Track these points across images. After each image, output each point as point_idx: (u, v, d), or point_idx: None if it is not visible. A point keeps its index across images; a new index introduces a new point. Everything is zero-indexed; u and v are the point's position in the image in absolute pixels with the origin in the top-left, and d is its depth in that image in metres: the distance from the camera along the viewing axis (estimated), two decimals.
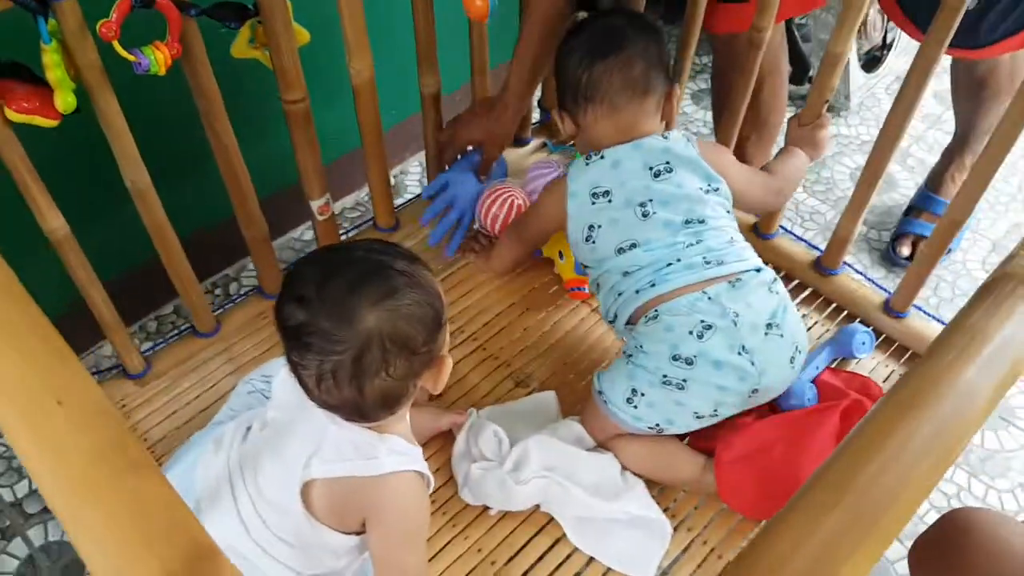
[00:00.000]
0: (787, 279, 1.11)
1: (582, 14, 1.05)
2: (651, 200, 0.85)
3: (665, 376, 0.82)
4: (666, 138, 0.88)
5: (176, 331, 1.04)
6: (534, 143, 1.32)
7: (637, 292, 0.85)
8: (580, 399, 0.96)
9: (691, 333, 0.81)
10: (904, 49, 1.76)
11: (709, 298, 0.82)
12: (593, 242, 0.88)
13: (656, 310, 0.83)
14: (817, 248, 1.12)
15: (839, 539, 0.33)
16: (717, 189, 0.88)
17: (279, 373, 0.72)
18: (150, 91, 0.86)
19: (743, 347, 0.81)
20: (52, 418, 0.35)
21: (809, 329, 1.06)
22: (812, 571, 0.31)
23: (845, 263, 1.09)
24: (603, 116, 0.88)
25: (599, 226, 0.87)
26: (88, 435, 0.35)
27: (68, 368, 0.38)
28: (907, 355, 1.04)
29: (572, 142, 1.32)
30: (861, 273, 1.12)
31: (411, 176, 1.58)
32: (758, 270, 0.86)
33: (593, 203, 0.87)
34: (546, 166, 1.14)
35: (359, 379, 0.63)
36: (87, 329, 0.96)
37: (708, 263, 0.84)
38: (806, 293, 1.10)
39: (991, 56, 0.95)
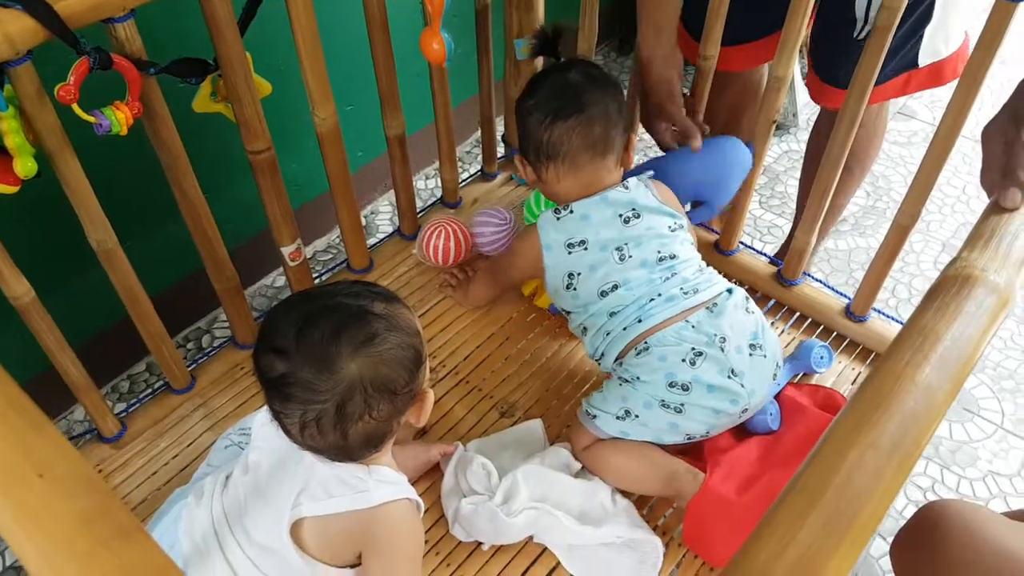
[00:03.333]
0: (751, 291, 1.14)
1: (540, 60, 1.08)
2: (626, 244, 0.89)
3: (663, 400, 0.84)
4: (627, 188, 0.91)
5: (149, 390, 1.03)
6: (500, 177, 1.34)
7: (625, 329, 0.88)
8: (566, 424, 0.97)
9: (684, 360, 0.84)
10: None
11: (693, 326, 0.85)
12: (574, 288, 0.90)
13: (646, 342, 0.86)
14: (777, 261, 1.15)
15: (822, 539, 0.34)
16: (681, 225, 0.93)
17: (258, 415, 0.72)
18: (112, 149, 0.86)
19: (732, 370, 0.84)
20: (33, 490, 0.35)
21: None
22: (800, 570, 0.33)
23: (805, 273, 1.13)
24: (565, 174, 0.91)
25: (579, 273, 0.90)
26: (72, 504, 0.35)
27: (47, 439, 0.38)
28: (871, 357, 1.07)
29: None
30: (821, 281, 1.16)
31: (382, 216, 1.59)
32: (730, 291, 0.90)
33: (570, 253, 0.90)
34: (494, 215, 1.14)
35: (343, 425, 0.64)
36: (58, 394, 0.94)
37: (686, 293, 0.87)
38: (770, 304, 1.14)
39: (871, 101, 0.97)
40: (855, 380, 1.05)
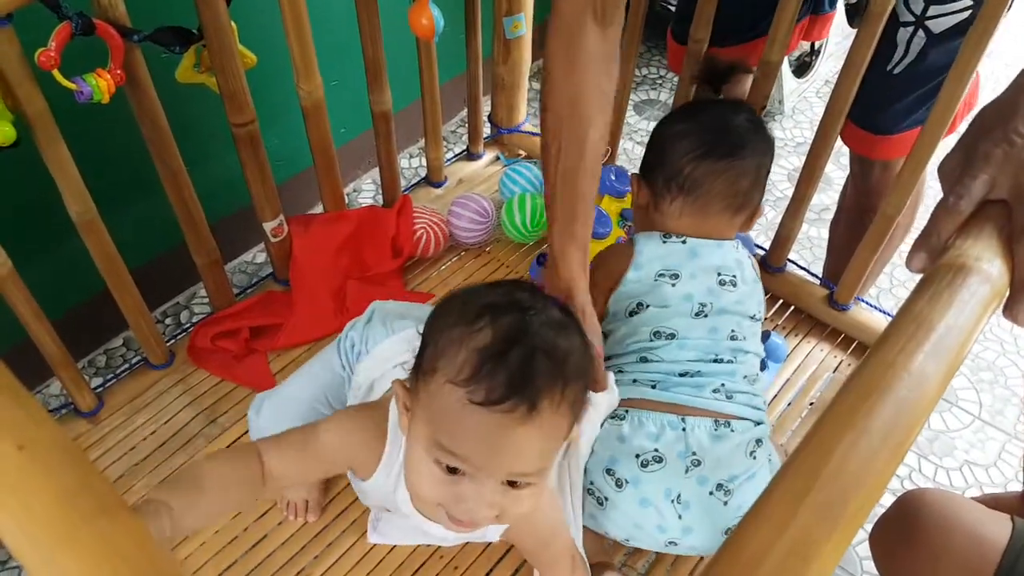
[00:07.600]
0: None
1: (528, 43, 1.04)
2: (711, 304, 0.81)
3: (592, 484, 0.76)
4: (736, 249, 0.84)
5: (127, 365, 1.01)
6: (487, 157, 1.33)
7: (634, 382, 0.78)
8: None
9: (637, 457, 0.75)
10: (831, 54, 1.84)
11: (684, 429, 0.75)
12: (636, 316, 0.81)
13: (630, 411, 0.77)
14: (762, 247, 1.16)
15: (814, 526, 0.34)
16: (759, 321, 0.85)
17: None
18: (94, 118, 0.84)
19: (679, 496, 0.74)
20: (13, 463, 0.34)
21: None
22: (792, 558, 0.33)
23: (789, 260, 1.13)
24: (690, 213, 0.82)
25: (648, 305, 0.81)
26: (53, 478, 0.34)
27: (26, 410, 0.37)
28: (853, 345, 1.08)
29: (526, 157, 1.34)
30: (805, 269, 1.16)
31: (364, 194, 1.57)
32: (757, 424, 0.79)
33: (656, 280, 0.81)
34: (475, 203, 1.13)
35: None
36: (31, 369, 0.93)
37: (716, 392, 0.77)
38: None
39: (895, 151, 0.92)
40: (836, 368, 1.06)
